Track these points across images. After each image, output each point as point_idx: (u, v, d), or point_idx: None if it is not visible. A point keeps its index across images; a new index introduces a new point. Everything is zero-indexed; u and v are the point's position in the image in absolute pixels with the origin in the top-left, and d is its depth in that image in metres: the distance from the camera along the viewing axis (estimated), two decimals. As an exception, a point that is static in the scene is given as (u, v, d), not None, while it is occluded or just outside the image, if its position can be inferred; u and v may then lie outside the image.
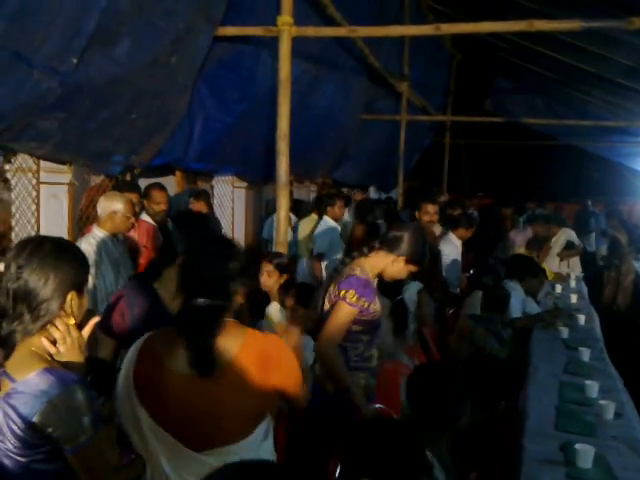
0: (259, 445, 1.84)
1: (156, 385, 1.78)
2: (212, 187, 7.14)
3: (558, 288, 6.78)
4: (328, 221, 5.94)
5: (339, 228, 6.08)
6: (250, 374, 1.79)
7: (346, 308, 2.87)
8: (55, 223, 4.41)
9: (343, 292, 2.87)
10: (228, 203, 7.48)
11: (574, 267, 8.07)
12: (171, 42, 4.05)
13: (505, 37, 8.86)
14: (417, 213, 5.63)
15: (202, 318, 1.77)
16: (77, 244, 3.77)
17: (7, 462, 1.58)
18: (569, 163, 13.83)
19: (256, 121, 5.62)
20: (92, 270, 3.61)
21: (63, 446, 1.58)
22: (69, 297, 1.69)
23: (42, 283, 1.64)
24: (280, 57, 4.42)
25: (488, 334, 4.13)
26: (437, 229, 5.91)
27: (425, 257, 3.09)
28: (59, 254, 1.70)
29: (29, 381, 1.56)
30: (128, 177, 4.96)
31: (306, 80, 6.09)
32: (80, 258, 1.78)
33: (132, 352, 1.85)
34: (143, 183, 5.97)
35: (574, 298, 6.30)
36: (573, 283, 7.30)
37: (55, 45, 3.19)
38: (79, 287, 1.74)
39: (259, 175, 6.75)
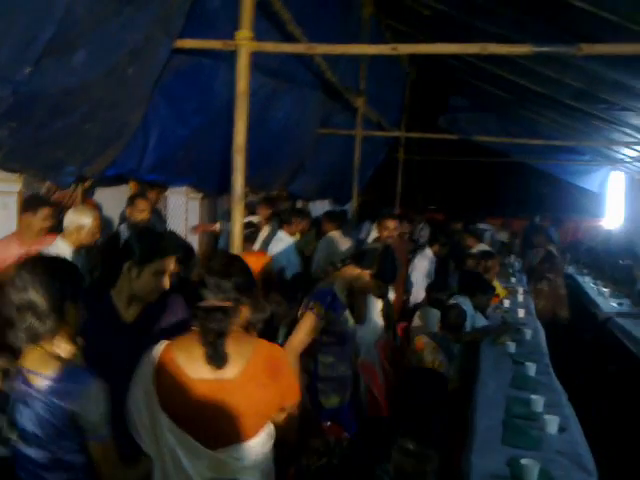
0: (265, 443, 2.07)
1: (177, 390, 1.96)
2: (166, 198, 7.08)
3: (506, 302, 6.95)
4: (282, 235, 5.98)
5: (293, 243, 6.12)
6: (261, 378, 2.01)
7: (312, 319, 2.99)
8: (4, 233, 4.31)
9: (311, 304, 3.00)
10: (182, 214, 7.42)
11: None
12: (129, 53, 4.01)
13: (460, 57, 9.07)
14: (377, 229, 5.71)
15: (214, 315, 1.97)
16: None
17: (40, 453, 1.74)
18: (519, 180, 14.20)
19: (212, 133, 5.60)
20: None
21: (90, 434, 1.78)
22: (66, 307, 1.87)
23: (41, 296, 1.81)
24: (238, 71, 4.43)
25: (439, 349, 4.21)
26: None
27: (389, 275, 3.23)
28: (53, 270, 1.90)
29: (60, 375, 1.74)
30: (80, 188, 4.91)
31: (264, 94, 6.10)
32: (73, 272, 1.98)
33: (151, 359, 2.01)
34: (98, 194, 5.96)
35: (521, 312, 6.48)
36: (520, 297, 7.49)
37: (8, 54, 3.12)
38: (74, 298, 1.91)
39: (214, 187, 6.72)
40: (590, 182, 14.13)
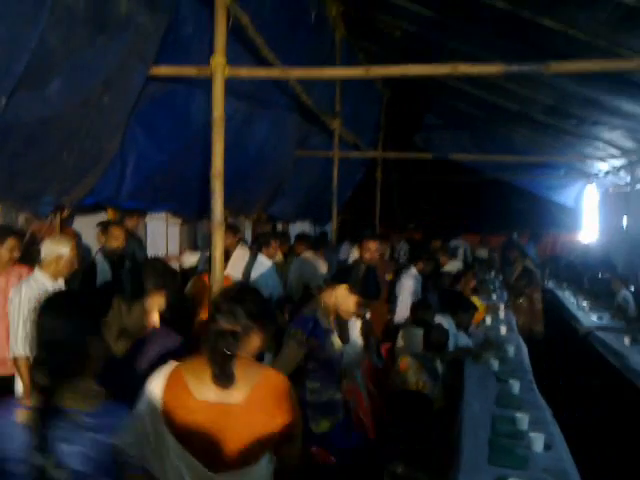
0: (265, 470, 2.11)
1: (183, 410, 1.99)
2: (145, 224, 7.04)
3: (488, 320, 6.98)
4: (262, 259, 5.96)
5: (273, 266, 6.10)
6: (265, 406, 2.06)
7: (293, 346, 2.98)
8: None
9: (293, 331, 2.99)
10: (162, 239, 7.39)
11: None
12: (103, 82, 4.01)
13: (433, 76, 9.19)
14: (359, 250, 5.70)
15: (224, 337, 2.03)
16: (18, 287, 3.69)
17: None
18: (496, 196, 14.33)
19: (190, 158, 5.60)
20: (31, 315, 3.53)
21: (132, 467, 1.80)
22: (93, 342, 1.87)
23: (70, 333, 1.83)
24: (213, 97, 4.44)
25: (422, 370, 4.21)
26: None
27: (372, 291, 3.25)
28: (78, 305, 1.94)
29: (99, 411, 1.76)
30: (57, 217, 4.87)
31: (240, 118, 6.13)
32: (95, 306, 1.99)
33: (159, 381, 2.03)
34: (77, 222, 5.90)
35: (503, 329, 6.51)
36: (502, 314, 7.53)
37: (-18, 86, 3.12)
38: (98, 331, 1.91)
39: (193, 211, 6.70)
40: (565, 196, 14.32)
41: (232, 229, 5.83)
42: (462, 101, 11.10)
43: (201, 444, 1.97)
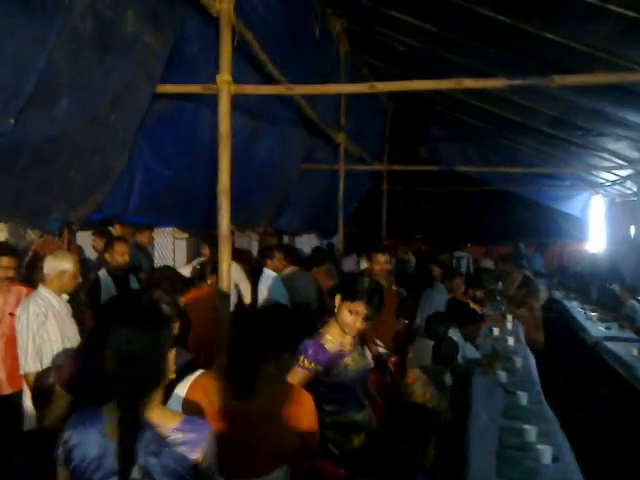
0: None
1: (202, 416, 2.04)
2: (152, 239, 7.10)
3: (495, 331, 6.96)
4: (268, 272, 5.99)
5: (279, 278, 6.12)
6: (284, 418, 2.11)
7: (299, 371, 2.95)
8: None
9: (298, 356, 2.95)
10: (169, 254, 7.44)
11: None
12: (111, 100, 4.07)
13: (438, 90, 9.24)
14: (368, 263, 5.70)
15: (252, 351, 2.12)
16: (24, 304, 3.73)
17: None
18: (503, 207, 14.34)
19: (196, 174, 5.65)
20: (39, 331, 3.59)
21: (210, 477, 1.84)
22: (168, 355, 1.89)
23: (150, 347, 1.83)
24: (220, 114, 4.50)
25: (429, 382, 4.20)
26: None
27: (359, 292, 3.12)
28: (153, 319, 1.92)
29: (183, 426, 1.80)
30: (66, 234, 4.92)
31: (245, 133, 6.18)
32: (167, 318, 2.04)
33: (183, 388, 2.14)
34: (81, 236, 5.96)
35: (511, 340, 6.49)
36: (509, 325, 7.51)
37: (-8, 106, 3.17)
38: (171, 345, 1.93)
39: (200, 226, 6.74)
40: (572, 207, 14.31)
41: (212, 240, 5.86)
42: (467, 113, 11.14)
43: (219, 452, 1.98)
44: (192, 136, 5.41)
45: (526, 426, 3.60)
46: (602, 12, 5.04)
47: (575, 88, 6.98)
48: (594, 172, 12.19)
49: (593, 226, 14.25)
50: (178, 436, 1.79)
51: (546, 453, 3.26)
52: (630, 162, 10.01)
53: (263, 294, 5.83)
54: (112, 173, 4.57)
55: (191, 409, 2.07)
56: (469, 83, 4.79)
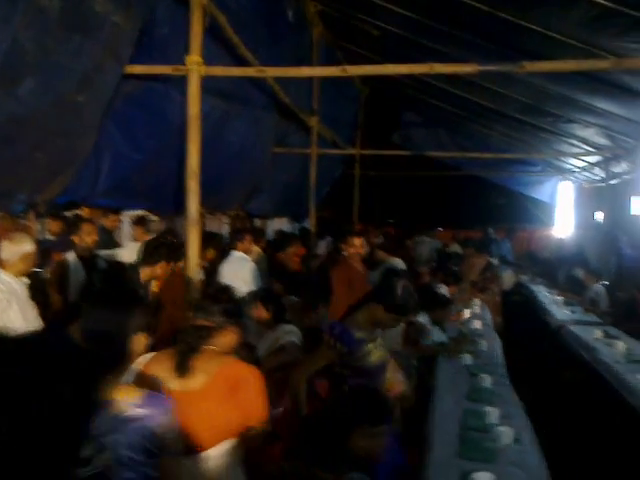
0: (229, 453, 2.28)
1: (158, 392, 2.10)
2: (121, 222, 7.02)
3: (465, 313, 7.06)
4: (237, 254, 5.98)
5: (249, 260, 6.11)
6: (222, 394, 2.23)
7: (324, 350, 3.23)
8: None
9: (325, 336, 3.22)
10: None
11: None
12: (78, 81, 4.01)
13: (410, 75, 9.25)
14: (342, 245, 5.77)
15: (193, 331, 2.26)
16: None
17: (135, 474, 1.83)
18: (473, 192, 14.48)
19: (166, 157, 5.61)
20: (2, 316, 3.54)
21: (169, 450, 1.91)
22: (136, 338, 1.96)
23: (121, 329, 1.92)
24: (189, 96, 4.47)
25: (398, 367, 4.25)
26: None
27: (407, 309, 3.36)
28: (125, 303, 2.01)
29: (145, 402, 1.86)
30: (32, 216, 4.86)
31: (216, 116, 6.14)
32: (140, 303, 2.10)
33: (133, 369, 2.23)
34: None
35: (478, 324, 6.59)
36: (477, 309, 7.62)
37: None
38: (142, 328, 2.01)
39: (170, 209, 6.70)
40: (541, 192, 14.51)
41: (141, 223, 5.81)
42: (440, 99, 11.18)
43: None
44: (162, 118, 5.37)
45: (488, 408, 3.67)
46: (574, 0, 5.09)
47: (546, 75, 7.06)
48: (563, 158, 12.37)
49: (561, 212, 14.47)
50: (139, 411, 1.85)
51: (507, 434, 3.33)
52: (598, 149, 10.17)
53: (227, 275, 5.81)
54: (79, 155, 4.52)
55: (143, 383, 2.17)
56: (440, 68, 4.83)
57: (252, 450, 2.37)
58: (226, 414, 2.24)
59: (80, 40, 3.90)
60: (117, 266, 4.46)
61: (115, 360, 1.92)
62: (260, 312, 3.95)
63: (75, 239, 4.86)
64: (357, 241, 5.54)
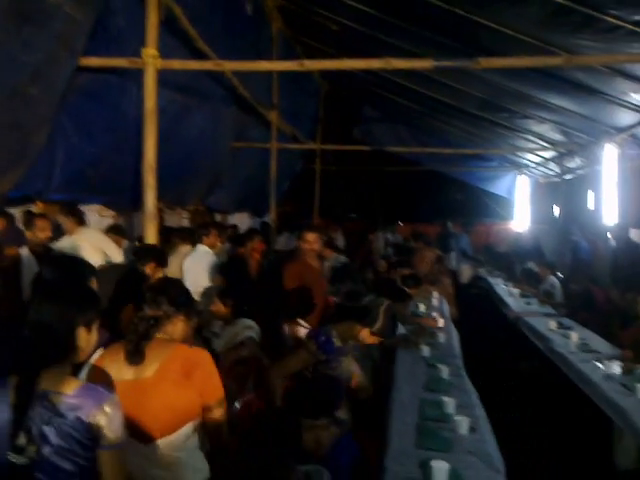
0: (188, 440, 2.32)
1: (108, 385, 2.14)
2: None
3: (422, 307, 7.14)
4: (202, 248, 5.93)
5: (212, 255, 6.06)
6: (175, 378, 2.27)
7: (302, 354, 3.48)
8: None
9: (306, 340, 3.55)
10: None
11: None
12: (30, 73, 3.93)
13: (369, 70, 9.29)
14: (298, 242, 5.71)
15: (143, 321, 2.30)
16: None
17: (69, 464, 1.84)
18: (433, 187, 14.67)
19: (123, 151, 5.54)
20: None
21: (105, 444, 1.87)
22: (79, 332, 1.96)
23: (58, 320, 1.92)
24: (145, 89, 4.42)
25: (354, 360, 4.28)
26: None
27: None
28: (69, 295, 2.02)
29: (79, 393, 1.86)
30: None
31: (174, 109, 6.08)
32: (88, 297, 2.10)
33: (86, 369, 2.28)
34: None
35: (436, 316, 6.68)
36: (435, 302, 7.72)
37: None
38: (87, 323, 2.00)
39: (127, 203, 6.61)
40: (499, 187, 14.77)
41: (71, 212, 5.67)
42: (400, 94, 11.26)
43: (127, 420, 2.06)
44: (117, 112, 5.29)
45: (445, 398, 3.72)
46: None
47: (502, 71, 7.17)
48: (519, 153, 12.61)
49: (518, 206, 14.74)
50: (72, 401, 1.84)
51: (463, 424, 3.39)
52: (553, 144, 10.39)
53: (191, 268, 5.76)
54: (31, 149, 4.42)
55: (95, 377, 2.21)
56: (397, 63, 4.87)
57: (213, 434, 2.40)
58: (183, 398, 2.27)
59: (31, 31, 3.82)
60: (67, 259, 4.38)
61: (55, 352, 1.92)
62: (218, 307, 3.93)
63: (29, 234, 4.75)
64: (310, 236, 5.41)
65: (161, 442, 2.25)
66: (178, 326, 2.43)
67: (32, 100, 4.08)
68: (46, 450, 1.82)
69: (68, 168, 5.06)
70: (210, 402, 2.34)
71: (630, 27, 4.94)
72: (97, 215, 7.09)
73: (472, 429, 3.43)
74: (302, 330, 4.91)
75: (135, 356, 2.25)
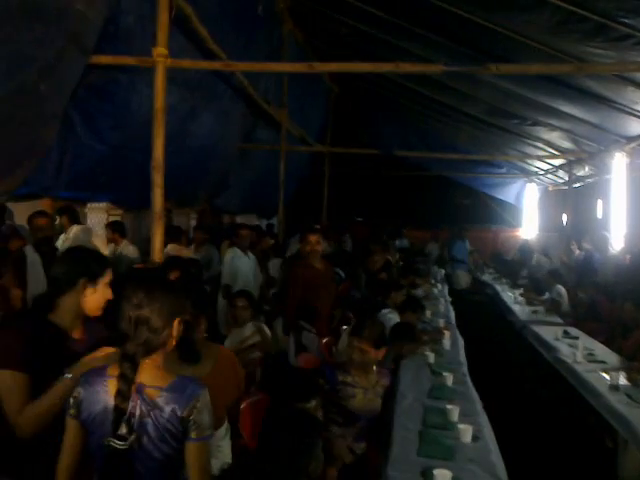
0: (226, 431, 2.70)
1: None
2: (85, 215, 6.92)
3: (428, 313, 7.11)
4: (239, 253, 5.97)
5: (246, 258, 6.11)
6: (227, 374, 2.63)
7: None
8: None
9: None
10: (103, 231, 7.26)
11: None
12: (40, 70, 3.92)
13: (379, 73, 9.29)
14: (300, 243, 5.71)
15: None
16: None
17: (162, 455, 1.93)
18: (441, 192, 14.63)
19: (131, 149, 5.53)
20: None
21: (193, 436, 1.93)
22: (175, 322, 2.04)
23: (156, 312, 1.97)
24: (155, 88, 4.42)
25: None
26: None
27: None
28: (166, 287, 2.09)
29: (174, 385, 1.94)
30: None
31: (183, 108, 6.08)
32: (180, 289, 2.18)
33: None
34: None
35: (441, 322, 6.64)
36: (442, 307, 7.69)
37: None
38: (181, 313, 2.08)
39: (135, 202, 6.62)
40: (507, 194, 14.72)
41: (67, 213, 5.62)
42: (410, 99, 11.25)
43: None
44: (127, 110, 5.28)
45: (449, 406, 3.69)
46: (540, 3, 5.15)
47: (512, 78, 7.15)
48: (528, 160, 12.56)
49: (527, 213, 14.68)
50: (167, 395, 1.92)
51: (466, 432, 3.35)
52: (562, 152, 10.34)
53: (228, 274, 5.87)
54: (40, 146, 4.41)
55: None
56: (407, 67, 4.85)
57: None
58: (230, 393, 2.62)
59: (42, 28, 3.81)
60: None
61: (155, 345, 1.98)
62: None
63: (30, 232, 4.75)
64: (312, 238, 5.37)
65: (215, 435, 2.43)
66: (202, 327, 2.63)
67: (41, 97, 4.07)
68: (144, 439, 1.91)
69: (76, 165, 5.06)
70: (242, 390, 2.76)
71: (641, 36, 4.91)
72: (103, 213, 7.11)
73: (475, 437, 3.39)
74: (306, 334, 4.90)
75: (192, 355, 2.49)
